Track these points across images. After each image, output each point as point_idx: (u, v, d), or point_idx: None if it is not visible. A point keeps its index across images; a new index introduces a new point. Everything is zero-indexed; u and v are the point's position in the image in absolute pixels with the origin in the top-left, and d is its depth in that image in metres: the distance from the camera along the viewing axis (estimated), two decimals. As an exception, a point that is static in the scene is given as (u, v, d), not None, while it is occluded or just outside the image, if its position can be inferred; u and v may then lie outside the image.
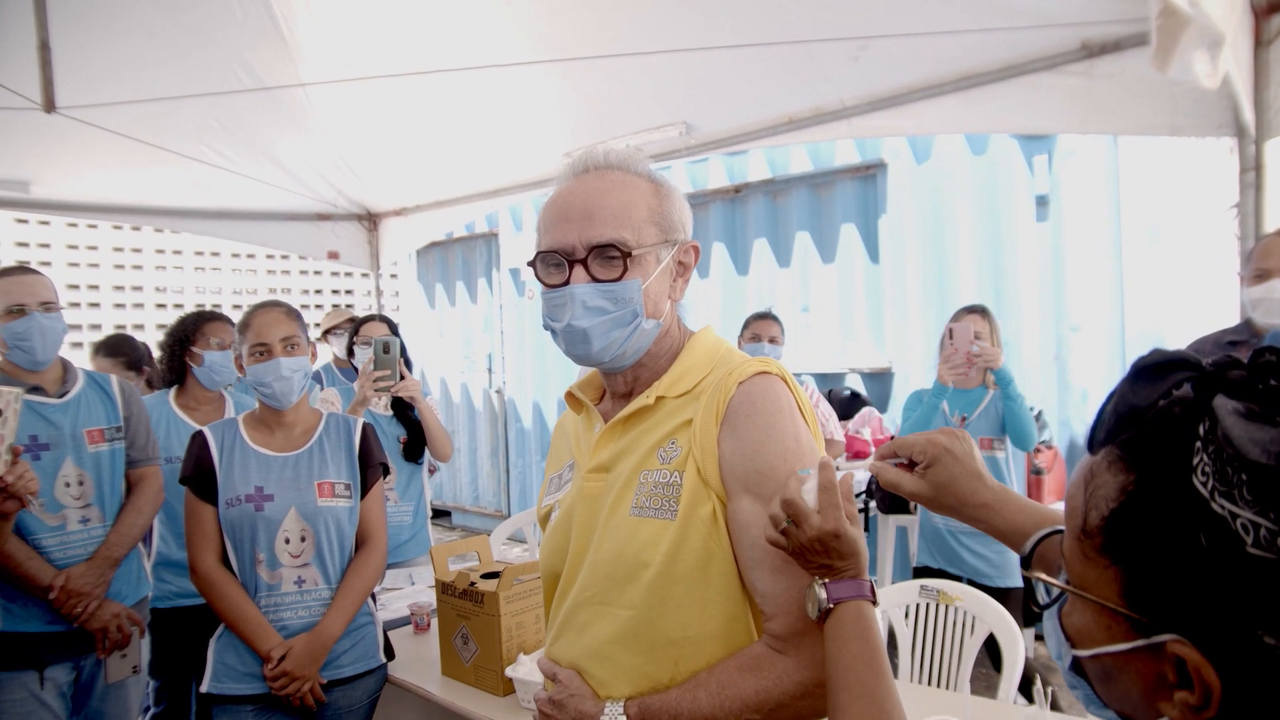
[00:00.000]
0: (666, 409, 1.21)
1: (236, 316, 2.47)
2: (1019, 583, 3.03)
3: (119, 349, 3.59)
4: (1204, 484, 0.56)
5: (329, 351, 4.74)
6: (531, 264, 1.23)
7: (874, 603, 1.07)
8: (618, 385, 1.28)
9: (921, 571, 3.31)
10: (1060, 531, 0.71)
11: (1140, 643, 0.60)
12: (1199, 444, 0.57)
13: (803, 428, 1.17)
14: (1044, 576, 0.70)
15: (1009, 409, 3.14)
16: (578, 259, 1.17)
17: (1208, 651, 0.56)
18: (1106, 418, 0.63)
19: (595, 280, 1.16)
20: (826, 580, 1.05)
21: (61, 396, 2.42)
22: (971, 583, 3.03)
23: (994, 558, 3.16)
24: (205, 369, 2.95)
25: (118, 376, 2.63)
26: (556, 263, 1.18)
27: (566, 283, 1.17)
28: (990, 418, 3.21)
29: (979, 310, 3.31)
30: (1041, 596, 0.71)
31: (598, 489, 1.23)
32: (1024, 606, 2.90)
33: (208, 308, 3.29)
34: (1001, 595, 2.92)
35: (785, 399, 1.17)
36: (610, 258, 1.17)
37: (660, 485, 1.16)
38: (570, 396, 1.35)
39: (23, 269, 2.47)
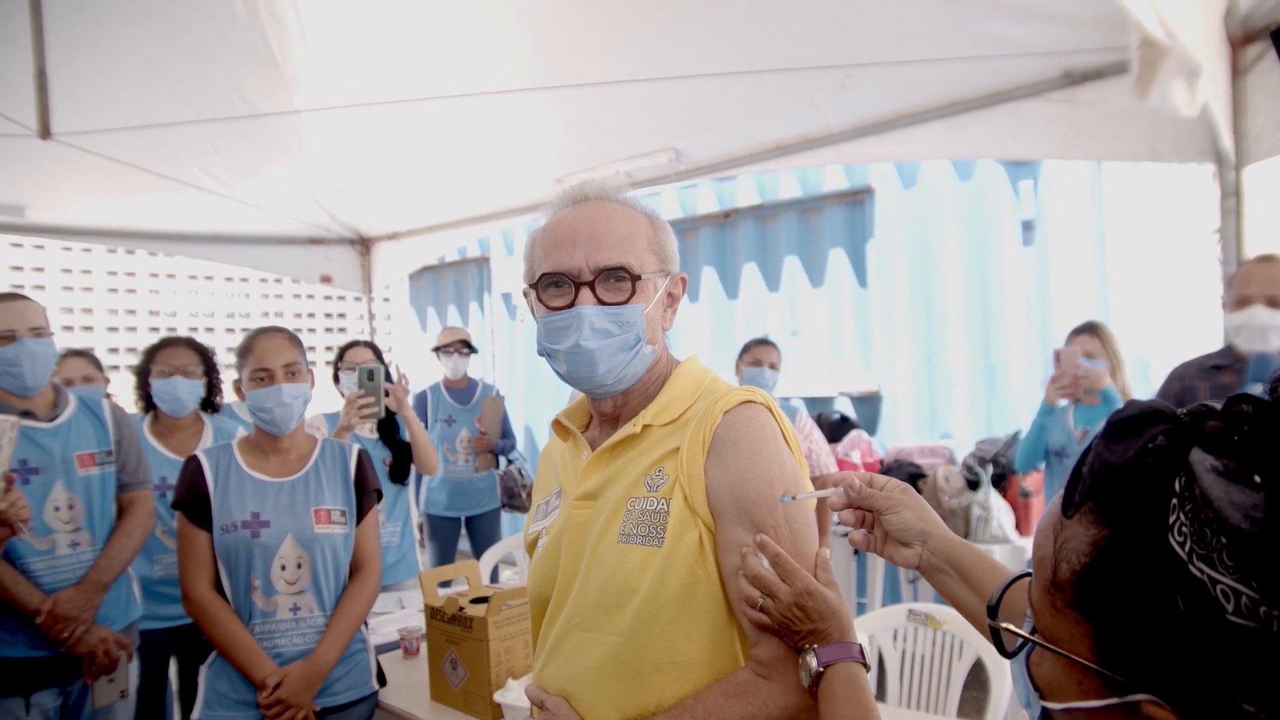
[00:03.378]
0: (653, 437, 1.22)
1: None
2: None
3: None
4: (1181, 544, 0.54)
5: (440, 370, 4.73)
6: (531, 289, 1.24)
7: (865, 666, 1.09)
8: (605, 409, 1.30)
9: None
10: (1029, 575, 0.69)
11: (1113, 701, 0.58)
12: (1175, 501, 0.55)
13: (787, 455, 1.19)
14: (1011, 628, 0.68)
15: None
16: (584, 281, 1.18)
17: (1184, 715, 0.54)
18: (1083, 478, 0.61)
19: (602, 303, 1.18)
20: (815, 646, 1.07)
21: (52, 421, 2.43)
22: None
23: None
24: (155, 396, 2.92)
25: (110, 402, 2.64)
26: (560, 285, 1.20)
27: (571, 305, 1.19)
28: None
29: (1089, 329, 3.33)
30: (1008, 643, 0.69)
31: (585, 516, 1.24)
32: None
33: (165, 332, 3.29)
34: None
35: (770, 427, 1.19)
36: (618, 280, 1.19)
37: (647, 512, 1.17)
38: (557, 424, 1.37)
39: (12, 295, 2.48)
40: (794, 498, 1.13)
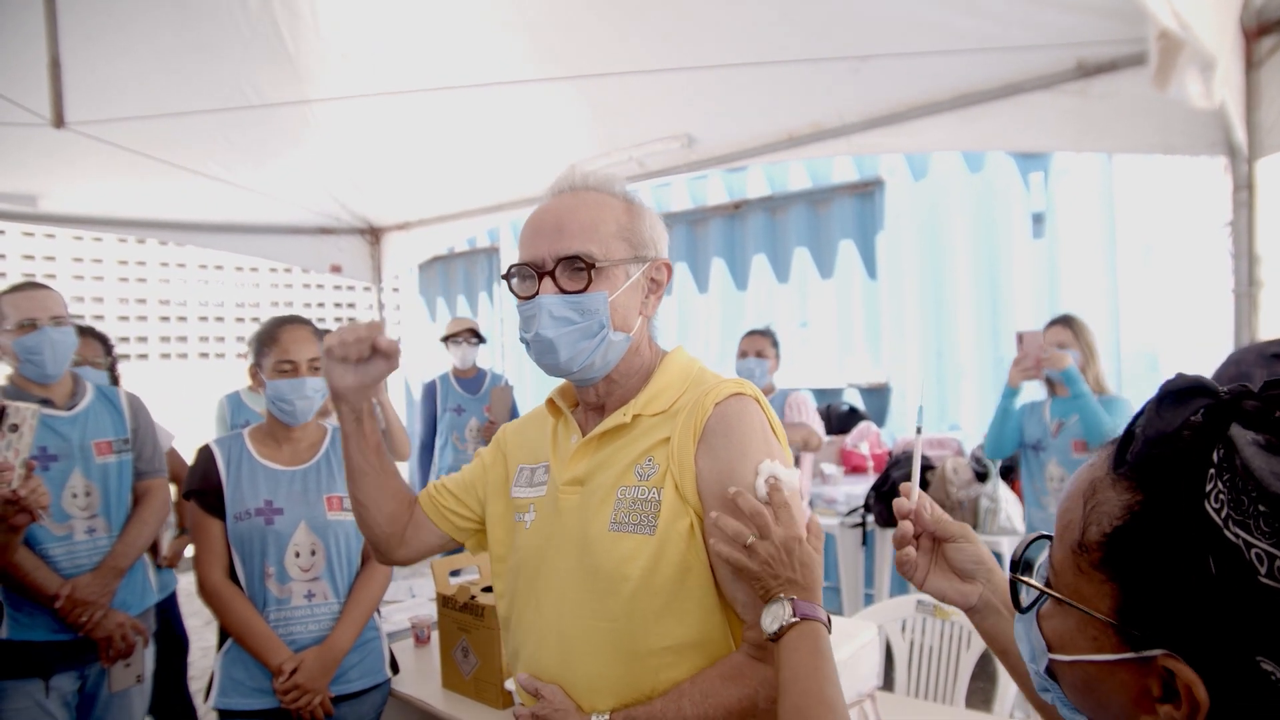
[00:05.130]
0: (643, 427, 1.25)
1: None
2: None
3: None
4: (1217, 511, 0.58)
5: (449, 359, 4.74)
6: (506, 278, 1.27)
7: (828, 630, 1.10)
8: (589, 397, 1.32)
9: None
10: (1045, 537, 0.74)
11: (1129, 655, 0.62)
12: (1212, 471, 0.59)
13: (775, 446, 1.22)
14: (1034, 583, 0.72)
15: (1077, 406, 3.16)
16: (546, 271, 1.21)
17: (1201, 670, 0.58)
18: (1136, 438, 0.65)
19: (562, 291, 1.21)
20: (794, 596, 1.08)
21: (71, 409, 2.46)
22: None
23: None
24: None
25: (126, 391, 2.66)
26: (528, 275, 1.23)
27: (536, 295, 1.22)
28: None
29: (1063, 321, 3.38)
30: (1025, 599, 0.73)
31: (574, 502, 1.26)
32: None
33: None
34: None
35: (758, 419, 1.22)
36: (576, 269, 1.21)
37: (639, 501, 1.20)
38: (551, 403, 1.40)
39: (33, 284, 2.51)
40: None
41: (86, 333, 3.17)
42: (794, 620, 1.07)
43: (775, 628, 1.07)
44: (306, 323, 2.29)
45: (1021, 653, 0.75)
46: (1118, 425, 3.09)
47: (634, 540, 1.18)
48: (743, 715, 1.11)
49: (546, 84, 3.54)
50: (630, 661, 1.18)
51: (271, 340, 2.19)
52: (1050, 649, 0.70)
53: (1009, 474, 4.14)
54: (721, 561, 1.15)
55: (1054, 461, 3.28)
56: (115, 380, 3.19)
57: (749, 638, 1.15)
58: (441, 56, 3.38)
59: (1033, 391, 3.55)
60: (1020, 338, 3.34)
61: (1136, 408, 0.68)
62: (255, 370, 2.23)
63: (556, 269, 1.21)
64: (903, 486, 1.08)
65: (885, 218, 5.21)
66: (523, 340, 1.27)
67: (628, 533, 1.19)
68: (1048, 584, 0.70)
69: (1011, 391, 3.39)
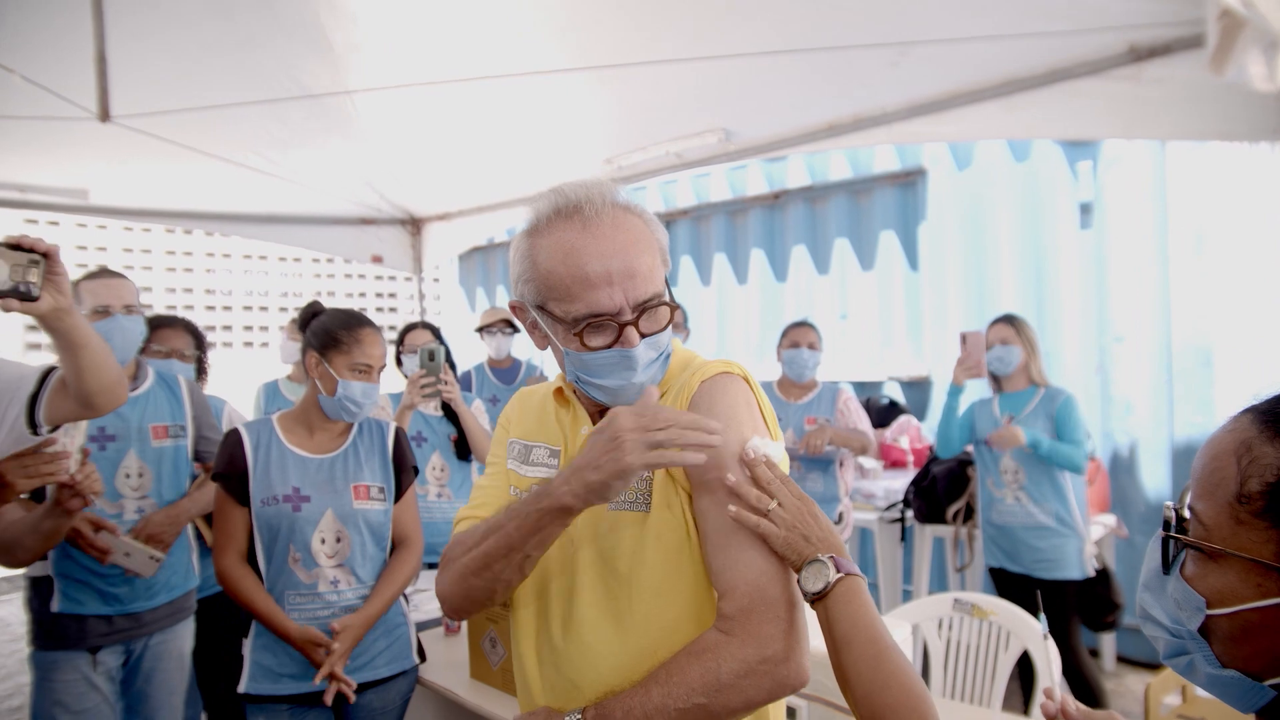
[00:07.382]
0: None
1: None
2: (1073, 575, 3.28)
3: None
4: None
5: (484, 350, 4.78)
6: (578, 332, 1.18)
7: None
8: None
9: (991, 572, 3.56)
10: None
11: None
12: None
13: (761, 423, 1.22)
14: (1196, 540, 0.76)
15: (1044, 454, 3.29)
16: (627, 320, 1.17)
17: None
18: None
19: (643, 335, 1.19)
20: (832, 555, 1.12)
21: (132, 391, 2.54)
22: (1028, 577, 3.31)
23: (1049, 550, 3.31)
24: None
25: (186, 380, 2.73)
26: (603, 327, 1.18)
27: (613, 344, 1.18)
28: (1037, 417, 3.37)
29: (1006, 319, 3.50)
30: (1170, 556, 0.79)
31: None
32: (1079, 601, 3.29)
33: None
34: (1058, 587, 3.26)
35: (744, 396, 1.23)
36: (654, 309, 1.20)
37: (635, 479, 1.19)
38: (559, 393, 1.37)
39: (109, 272, 2.58)
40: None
41: (176, 323, 3.18)
42: (839, 576, 1.10)
43: (820, 586, 1.11)
44: (378, 328, 2.34)
45: (1158, 620, 0.80)
46: (1077, 445, 3.24)
47: (630, 516, 1.21)
48: (705, 690, 1.09)
49: (585, 74, 3.52)
50: (628, 638, 1.19)
51: (354, 340, 2.21)
52: (1208, 605, 0.74)
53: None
54: (709, 529, 1.16)
55: (1007, 454, 3.39)
56: (203, 372, 3.19)
57: (720, 609, 1.14)
58: (480, 47, 3.38)
59: (979, 389, 3.66)
60: (964, 338, 3.47)
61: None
62: (319, 360, 2.20)
63: (639, 317, 1.18)
64: (1045, 689, 1.10)
65: (928, 208, 5.12)
66: (580, 380, 1.23)
67: (624, 510, 1.22)
68: (1180, 532, 0.77)
69: (956, 390, 3.52)
